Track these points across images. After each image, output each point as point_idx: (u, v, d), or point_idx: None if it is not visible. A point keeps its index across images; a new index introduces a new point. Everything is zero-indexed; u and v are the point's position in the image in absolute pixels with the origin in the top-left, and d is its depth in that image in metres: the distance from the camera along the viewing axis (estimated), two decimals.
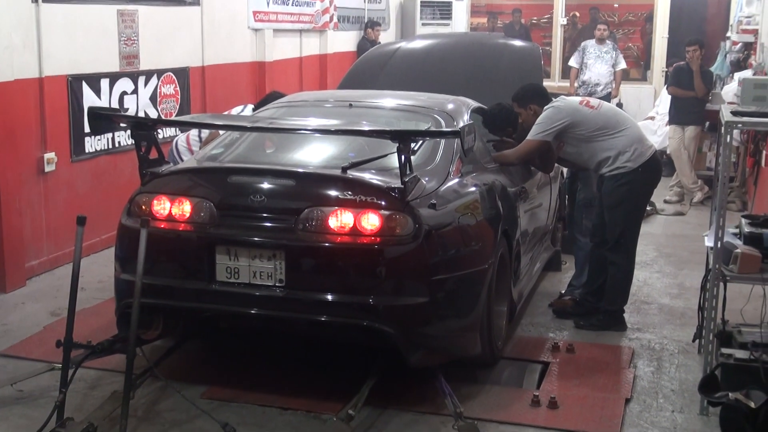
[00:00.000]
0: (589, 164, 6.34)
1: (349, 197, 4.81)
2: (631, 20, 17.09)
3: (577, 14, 16.64)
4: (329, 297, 4.79)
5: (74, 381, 4.81)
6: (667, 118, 11.55)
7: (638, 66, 17.13)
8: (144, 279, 4.62)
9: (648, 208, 8.23)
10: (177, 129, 8.23)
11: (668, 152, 11.16)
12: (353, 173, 4.97)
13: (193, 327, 5.55)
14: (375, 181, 4.92)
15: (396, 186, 4.75)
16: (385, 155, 5.04)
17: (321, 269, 4.84)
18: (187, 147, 7.23)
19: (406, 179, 4.72)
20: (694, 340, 5.94)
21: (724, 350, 4.95)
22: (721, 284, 5.05)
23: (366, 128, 5.26)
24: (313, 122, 5.71)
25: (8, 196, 6.96)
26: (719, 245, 4.94)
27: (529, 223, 6.46)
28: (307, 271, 4.85)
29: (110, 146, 8.29)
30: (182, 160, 6.89)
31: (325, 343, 5.58)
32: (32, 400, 5.02)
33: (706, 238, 5.62)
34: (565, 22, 16.23)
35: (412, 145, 4.90)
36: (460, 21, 16.98)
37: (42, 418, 4.54)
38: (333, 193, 4.89)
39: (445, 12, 16.71)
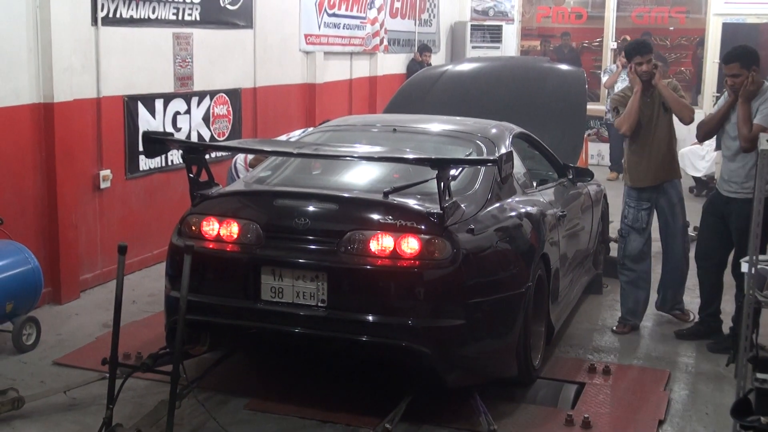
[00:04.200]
0: (740, 167, 6.25)
1: (389, 221, 4.96)
2: (684, 44, 17.01)
3: (628, 38, 16.62)
4: (369, 318, 4.92)
5: (124, 390, 4.97)
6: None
7: (689, 91, 17.05)
8: (192, 296, 4.79)
9: (693, 233, 8.22)
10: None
11: (716, 178, 11.13)
12: (394, 198, 5.12)
13: (238, 343, 5.72)
14: (415, 207, 5.06)
15: (435, 211, 4.90)
16: (426, 181, 5.17)
17: (361, 291, 4.97)
18: (245, 167, 7.43)
19: (445, 205, 4.86)
20: (728, 365, 5.98)
21: (759, 375, 4.99)
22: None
23: (406, 156, 5.38)
24: (358, 148, 5.84)
25: (65, 210, 7.20)
26: (753, 270, 5.02)
27: (568, 246, 6.54)
28: (348, 293, 4.99)
29: (164, 164, 8.51)
30: (239, 178, 7.09)
31: (364, 360, 5.72)
32: (84, 407, 5.24)
33: (742, 263, 5.67)
34: (615, 46, 16.26)
35: (452, 171, 5.05)
36: (510, 44, 17.09)
37: (92, 424, 4.75)
38: (374, 217, 5.03)
39: (495, 35, 16.82)
